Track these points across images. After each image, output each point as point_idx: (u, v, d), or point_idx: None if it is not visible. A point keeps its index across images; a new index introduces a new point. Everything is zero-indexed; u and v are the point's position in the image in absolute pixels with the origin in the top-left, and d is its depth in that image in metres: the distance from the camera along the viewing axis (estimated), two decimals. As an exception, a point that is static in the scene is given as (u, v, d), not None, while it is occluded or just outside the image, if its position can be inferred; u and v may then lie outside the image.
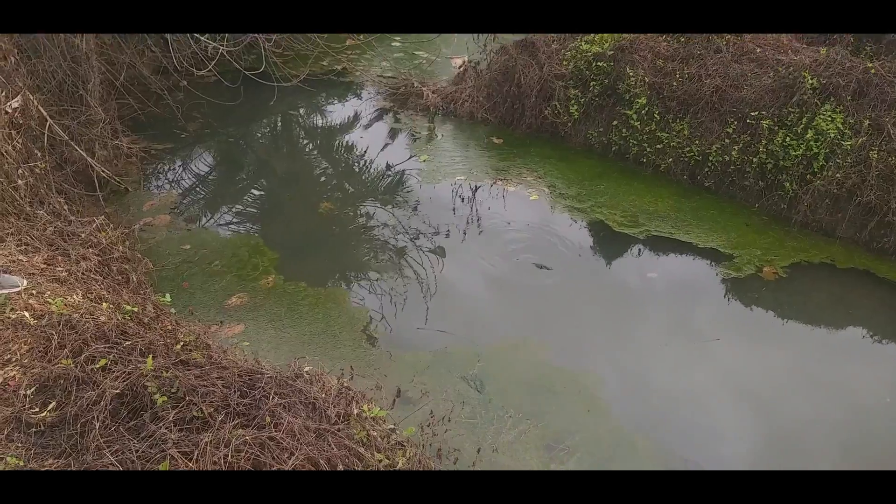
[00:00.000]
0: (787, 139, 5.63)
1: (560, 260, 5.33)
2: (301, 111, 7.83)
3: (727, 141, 5.95)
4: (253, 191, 6.34)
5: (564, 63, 6.60)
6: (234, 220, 5.71)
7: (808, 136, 5.53)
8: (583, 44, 6.57)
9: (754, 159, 5.81)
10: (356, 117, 7.65)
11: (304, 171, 6.82)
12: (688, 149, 6.13)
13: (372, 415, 3.01)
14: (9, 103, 4.74)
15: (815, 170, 5.56)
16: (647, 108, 6.27)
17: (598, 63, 6.40)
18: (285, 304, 4.69)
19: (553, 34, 6.92)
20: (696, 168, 6.18)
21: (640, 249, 5.50)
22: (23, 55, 5.29)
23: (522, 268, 5.21)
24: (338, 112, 7.86)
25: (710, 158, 6.02)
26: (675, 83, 6.17)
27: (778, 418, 4.07)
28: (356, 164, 6.82)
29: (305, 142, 7.47)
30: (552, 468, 3.65)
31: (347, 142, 7.21)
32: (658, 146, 6.28)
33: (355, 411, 2.90)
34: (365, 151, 6.92)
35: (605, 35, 6.54)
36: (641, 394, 4.18)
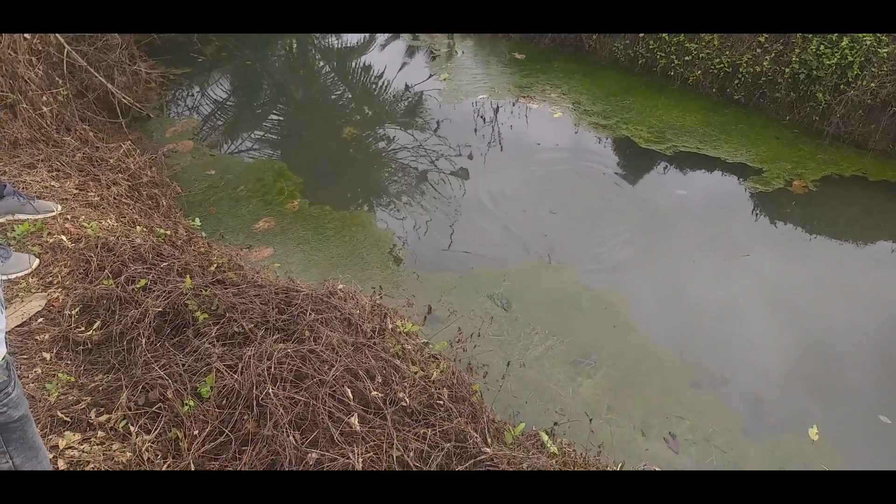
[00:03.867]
0: (822, 48, 5.41)
1: (585, 178, 5.27)
2: (317, 33, 7.65)
3: (759, 51, 5.74)
4: (272, 116, 6.28)
5: (589, -28, 6.33)
6: (257, 145, 5.69)
7: (843, 43, 5.32)
8: (608, -49, 6.27)
9: (786, 70, 5.62)
10: (372, 37, 7.46)
11: (321, 94, 6.73)
12: (717, 60, 5.93)
13: (405, 330, 3.07)
14: (25, 29, 4.69)
15: (850, 79, 5.37)
16: (675, 19, 6.03)
17: (625, -29, 6.13)
18: (312, 228, 4.72)
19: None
20: (725, 80, 6.00)
21: (666, 166, 5.42)
22: (34, -21, 5.17)
23: (545, 188, 5.17)
24: (353, 33, 7.67)
25: (741, 70, 5.83)
26: (705, -9, 5.90)
27: (811, 328, 4.08)
28: (374, 85, 6.70)
29: (322, 64, 7.34)
30: (578, 381, 3.74)
31: (364, 63, 7.07)
32: (686, 58, 6.09)
33: (389, 326, 2.96)
34: (383, 72, 6.79)
35: (632, -59, 6.23)
36: (669, 309, 4.21)
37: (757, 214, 4.97)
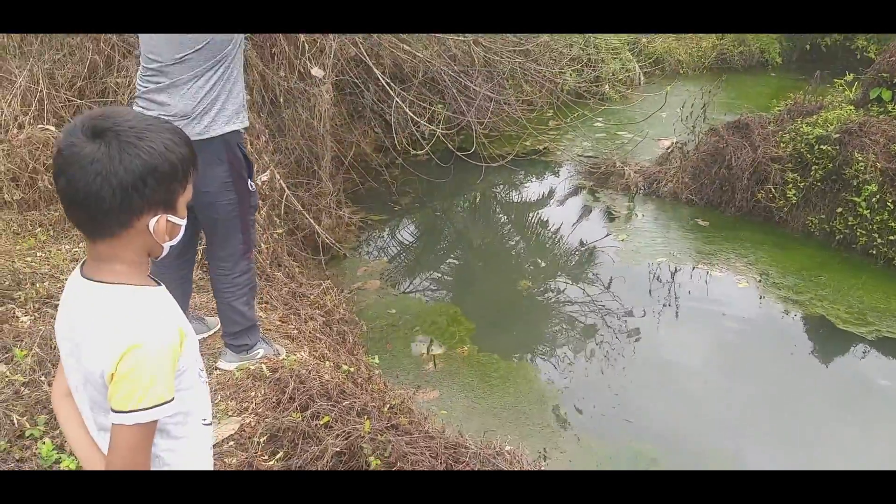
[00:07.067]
0: None
1: (773, 354, 4.92)
2: (500, 188, 8.16)
3: (981, 235, 5.22)
4: (451, 260, 6.66)
5: (782, 146, 6.26)
6: (434, 286, 6.03)
7: None
8: (804, 126, 6.19)
9: None
10: (551, 194, 7.80)
11: (499, 243, 7.06)
12: (929, 242, 5.46)
13: (568, 504, 2.95)
14: (259, 176, 5.50)
15: None
16: (878, 196, 5.70)
17: (822, 146, 5.98)
18: (478, 375, 4.79)
19: (767, 115, 6.62)
20: (938, 264, 5.47)
21: (866, 350, 4.92)
22: (271, 135, 6.13)
23: (725, 360, 4.88)
24: (534, 189, 8.08)
25: (958, 254, 5.30)
26: (913, 169, 5.58)
27: None
28: (549, 239, 6.92)
29: (501, 216, 7.75)
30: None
31: (542, 217, 7.36)
32: (891, 237, 5.66)
33: (552, 498, 2.86)
34: (559, 228, 7.01)
35: (830, 117, 6.11)
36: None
37: (985, 421, 4.29)
